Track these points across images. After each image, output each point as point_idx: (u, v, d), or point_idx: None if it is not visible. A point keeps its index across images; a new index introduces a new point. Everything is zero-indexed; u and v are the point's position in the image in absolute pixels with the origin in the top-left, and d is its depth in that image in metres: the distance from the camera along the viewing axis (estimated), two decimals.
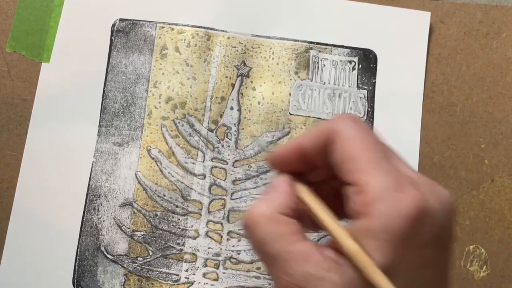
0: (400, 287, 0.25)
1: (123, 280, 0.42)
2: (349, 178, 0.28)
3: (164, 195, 0.43)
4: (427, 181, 0.28)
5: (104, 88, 0.45)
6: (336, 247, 0.28)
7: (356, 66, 0.46)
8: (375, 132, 0.30)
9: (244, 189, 0.44)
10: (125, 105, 0.45)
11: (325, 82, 0.46)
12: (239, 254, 0.43)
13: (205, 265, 0.43)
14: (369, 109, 0.45)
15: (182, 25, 0.46)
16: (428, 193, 0.27)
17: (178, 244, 0.43)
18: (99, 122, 0.45)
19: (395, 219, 0.26)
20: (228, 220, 0.43)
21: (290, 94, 0.45)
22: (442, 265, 0.29)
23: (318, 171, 0.32)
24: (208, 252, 0.43)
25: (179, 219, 0.43)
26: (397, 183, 0.27)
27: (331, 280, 0.27)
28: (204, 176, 0.44)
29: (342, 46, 0.47)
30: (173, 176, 0.44)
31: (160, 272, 0.42)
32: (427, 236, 0.27)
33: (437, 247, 0.28)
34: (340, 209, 0.31)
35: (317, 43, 0.46)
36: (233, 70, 0.46)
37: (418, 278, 0.28)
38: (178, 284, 0.42)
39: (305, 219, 0.32)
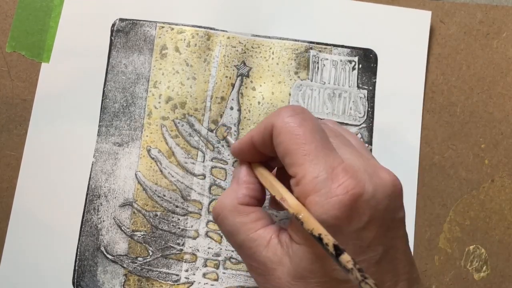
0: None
1: (123, 280, 0.42)
2: (290, 171, 0.29)
3: (164, 195, 0.43)
4: (368, 165, 0.29)
5: (104, 88, 0.45)
6: (293, 228, 0.29)
7: (356, 66, 0.46)
8: (316, 121, 0.30)
9: None
10: (125, 105, 0.45)
11: (325, 82, 0.46)
12: None
13: (205, 265, 0.43)
14: (369, 109, 0.45)
15: (182, 24, 0.46)
16: (365, 179, 0.28)
17: (178, 244, 0.43)
18: (99, 122, 0.45)
19: (328, 208, 0.27)
20: None
21: (290, 94, 0.45)
22: (392, 242, 0.29)
23: (277, 159, 0.33)
24: (208, 252, 0.43)
25: (179, 219, 0.43)
26: (331, 173, 0.28)
27: (286, 265, 0.29)
28: (204, 176, 0.44)
29: (342, 46, 0.46)
30: (173, 176, 0.44)
31: (160, 272, 0.42)
32: (365, 219, 0.28)
33: (380, 227, 0.28)
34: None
35: (317, 43, 0.46)
36: (233, 70, 0.46)
37: (370, 257, 0.28)
38: (178, 284, 0.42)
39: (272, 202, 0.35)
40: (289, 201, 0.29)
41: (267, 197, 0.37)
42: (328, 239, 0.26)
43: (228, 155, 0.44)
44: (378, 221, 0.28)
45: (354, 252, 0.28)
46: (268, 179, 0.32)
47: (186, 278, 0.42)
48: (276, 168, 0.37)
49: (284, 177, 0.32)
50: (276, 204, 0.35)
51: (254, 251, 0.31)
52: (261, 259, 0.30)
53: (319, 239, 0.26)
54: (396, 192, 0.29)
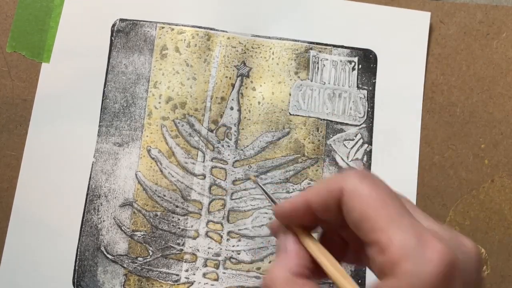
0: None
1: (123, 280, 0.42)
2: (369, 237, 0.27)
3: (164, 195, 0.43)
4: (450, 232, 0.28)
5: (104, 88, 0.45)
6: None
7: (356, 66, 0.46)
8: (387, 185, 0.29)
9: (244, 189, 0.44)
10: (125, 105, 0.45)
11: (325, 82, 0.46)
12: (239, 254, 0.43)
13: (205, 265, 0.43)
14: (369, 109, 0.45)
15: (182, 25, 0.46)
16: (453, 246, 0.26)
17: (178, 244, 0.43)
18: (99, 122, 0.45)
19: (424, 277, 0.25)
20: (228, 220, 0.43)
21: (290, 94, 0.45)
22: None
23: (326, 224, 0.31)
24: (208, 252, 0.43)
25: (179, 219, 0.43)
26: (420, 239, 0.26)
27: None
28: (204, 176, 0.44)
29: (342, 46, 0.47)
30: (173, 176, 0.44)
31: (160, 272, 0.42)
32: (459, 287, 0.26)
33: None
34: (345, 253, 0.32)
35: (317, 43, 0.46)
36: (233, 70, 0.46)
37: None
38: (178, 284, 0.42)
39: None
40: None
41: None
42: None
43: (228, 155, 0.44)
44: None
45: None
46: (325, 257, 0.30)
47: (186, 278, 0.42)
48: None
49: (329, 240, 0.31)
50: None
51: None
52: None
53: None
54: (481, 262, 0.28)
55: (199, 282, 0.42)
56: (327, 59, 0.46)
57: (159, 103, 0.45)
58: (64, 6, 0.47)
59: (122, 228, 0.43)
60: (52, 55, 0.46)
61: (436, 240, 0.26)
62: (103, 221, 0.43)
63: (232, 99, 0.45)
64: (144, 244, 0.43)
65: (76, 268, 0.42)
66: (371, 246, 0.27)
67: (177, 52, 0.46)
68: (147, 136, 0.45)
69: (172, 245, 0.43)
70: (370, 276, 0.42)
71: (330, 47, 0.46)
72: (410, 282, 0.25)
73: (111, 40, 0.46)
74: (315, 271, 0.31)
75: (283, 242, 0.32)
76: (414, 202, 0.44)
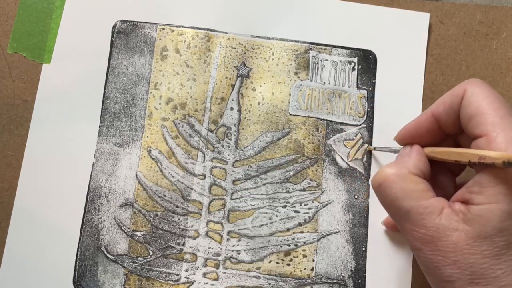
0: None
1: (123, 280, 0.42)
2: (478, 130, 0.31)
3: (165, 195, 0.44)
4: None
5: (104, 89, 0.46)
6: (476, 191, 0.31)
7: (356, 67, 0.46)
8: (501, 96, 0.33)
9: (244, 189, 0.44)
10: (125, 106, 0.45)
11: (325, 83, 0.46)
12: (239, 254, 0.43)
13: (205, 265, 0.43)
14: (369, 109, 0.46)
15: (183, 26, 0.47)
16: None
17: (178, 244, 0.43)
18: (100, 122, 0.45)
19: None
20: (228, 220, 0.43)
21: (290, 95, 0.46)
22: None
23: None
24: (208, 252, 0.43)
25: (179, 219, 0.43)
26: None
27: (464, 230, 0.30)
28: (204, 176, 0.44)
29: (342, 47, 0.47)
30: (173, 177, 0.44)
31: (160, 272, 0.42)
32: None
33: None
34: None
35: (317, 44, 0.47)
36: (233, 71, 0.46)
37: None
38: (178, 284, 0.42)
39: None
40: (492, 154, 0.30)
41: None
42: None
43: (228, 155, 0.44)
44: None
45: None
46: (451, 150, 0.34)
47: (186, 278, 0.42)
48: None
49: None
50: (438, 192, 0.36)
51: (424, 217, 0.31)
52: (433, 226, 0.31)
53: None
54: None
55: (199, 282, 0.42)
56: (327, 60, 0.46)
57: (160, 104, 0.45)
58: (65, 8, 0.47)
59: (123, 228, 0.43)
60: (53, 56, 0.46)
61: None
62: (104, 221, 0.43)
63: (232, 100, 0.45)
64: (144, 244, 0.43)
65: (77, 268, 0.42)
66: (480, 138, 0.31)
67: (177, 53, 0.46)
68: (147, 136, 0.45)
69: (172, 245, 0.43)
70: (370, 276, 0.42)
71: (330, 47, 0.47)
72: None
73: (111, 41, 0.46)
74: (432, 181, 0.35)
75: (405, 150, 0.36)
76: None
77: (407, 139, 0.37)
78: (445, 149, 0.34)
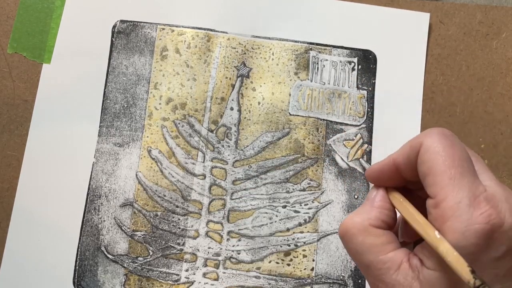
0: None
1: (123, 280, 0.42)
2: (429, 190, 0.29)
3: (165, 195, 0.44)
4: (509, 195, 0.29)
5: (104, 89, 0.46)
6: (425, 254, 0.30)
7: (356, 67, 0.46)
8: (464, 147, 0.31)
9: (244, 189, 0.44)
10: (125, 106, 0.45)
11: (325, 83, 0.46)
12: (239, 254, 0.43)
13: (205, 265, 0.43)
14: (369, 109, 0.46)
15: (183, 26, 0.47)
16: (506, 209, 0.28)
17: (178, 244, 0.43)
18: (100, 122, 0.45)
19: (469, 236, 0.27)
20: (228, 220, 0.43)
21: (290, 95, 0.46)
22: None
23: (413, 184, 0.33)
24: (208, 252, 0.43)
25: (179, 219, 0.43)
26: (473, 200, 0.28)
27: None
28: (204, 176, 0.44)
29: (342, 47, 0.47)
30: (173, 177, 0.44)
31: (160, 272, 0.42)
32: (503, 249, 0.28)
33: None
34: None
35: (317, 44, 0.47)
36: (233, 71, 0.46)
37: (505, 287, 0.29)
38: (178, 284, 0.42)
39: (404, 230, 0.36)
40: (441, 247, 0.28)
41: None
42: (466, 271, 0.26)
43: (228, 155, 0.44)
44: None
45: (491, 281, 0.28)
46: (407, 207, 0.32)
47: (186, 277, 0.42)
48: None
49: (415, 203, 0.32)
50: (407, 233, 0.35)
51: (383, 273, 0.31)
52: (390, 282, 0.30)
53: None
54: None
55: (199, 282, 0.42)
56: (326, 60, 0.46)
57: (160, 104, 0.45)
58: (65, 8, 0.47)
59: (123, 228, 0.43)
60: (53, 56, 0.46)
61: (486, 202, 0.28)
62: (104, 221, 0.43)
63: (232, 100, 0.45)
64: (144, 244, 0.43)
65: (77, 268, 0.42)
66: (429, 199, 0.29)
67: (178, 53, 0.46)
68: (147, 136, 0.45)
69: (172, 245, 0.43)
70: None
71: (329, 47, 0.47)
72: (454, 239, 0.27)
73: (111, 41, 0.46)
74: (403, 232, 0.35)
75: (371, 195, 0.35)
76: None
77: (374, 180, 0.35)
78: (405, 202, 0.33)
